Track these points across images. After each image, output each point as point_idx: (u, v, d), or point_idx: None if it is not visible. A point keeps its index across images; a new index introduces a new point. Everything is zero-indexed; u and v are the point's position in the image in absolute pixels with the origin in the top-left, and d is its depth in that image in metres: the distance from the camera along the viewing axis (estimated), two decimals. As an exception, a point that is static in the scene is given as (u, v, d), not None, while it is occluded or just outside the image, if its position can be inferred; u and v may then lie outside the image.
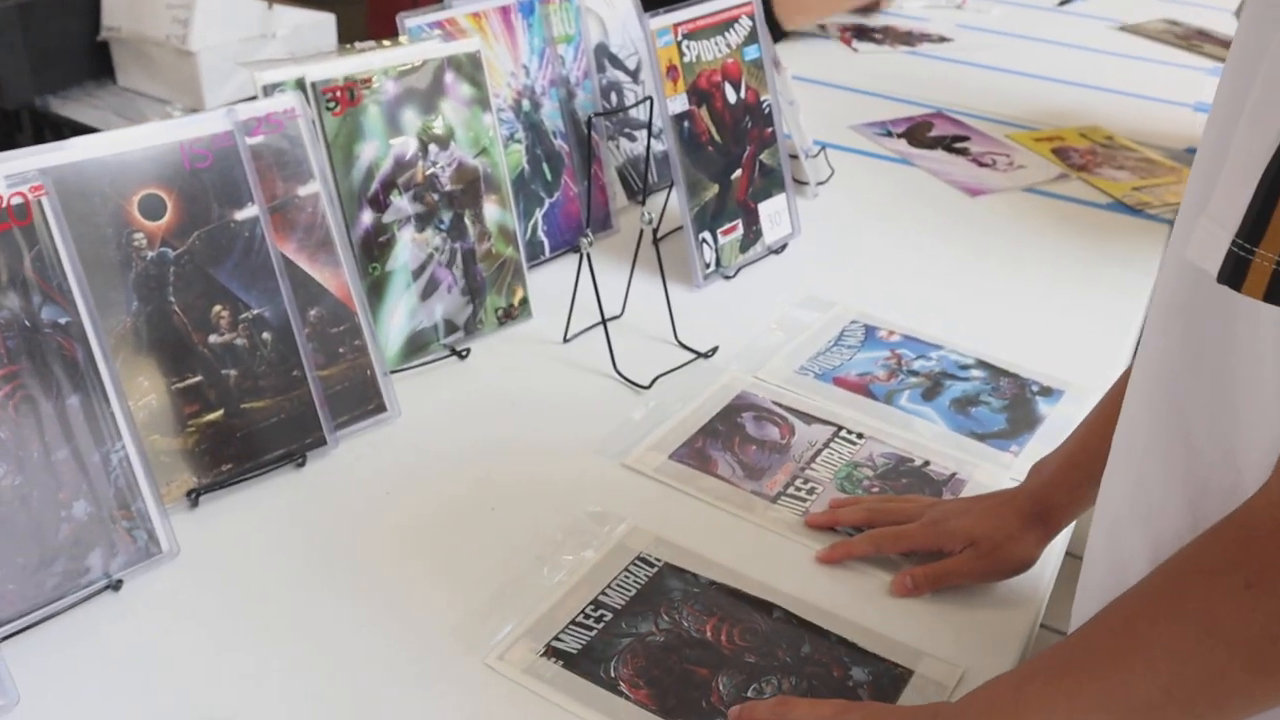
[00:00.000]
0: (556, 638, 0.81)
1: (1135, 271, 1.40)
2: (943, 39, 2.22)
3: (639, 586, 0.87)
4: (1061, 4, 2.52)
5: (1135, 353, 0.68)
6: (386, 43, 1.13)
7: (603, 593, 0.86)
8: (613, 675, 0.79)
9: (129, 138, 0.92)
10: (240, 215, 0.97)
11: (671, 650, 0.81)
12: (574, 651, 0.80)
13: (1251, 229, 0.47)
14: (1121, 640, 0.60)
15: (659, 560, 0.89)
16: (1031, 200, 1.58)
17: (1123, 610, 0.61)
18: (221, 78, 2.05)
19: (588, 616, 0.83)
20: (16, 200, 0.82)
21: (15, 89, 2.02)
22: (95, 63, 2.15)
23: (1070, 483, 0.88)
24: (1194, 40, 2.35)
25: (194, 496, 0.94)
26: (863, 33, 2.21)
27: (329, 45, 2.22)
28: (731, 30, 1.32)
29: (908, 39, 2.20)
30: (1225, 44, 2.31)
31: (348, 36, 2.07)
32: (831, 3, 2.16)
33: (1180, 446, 0.62)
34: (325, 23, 2.21)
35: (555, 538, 0.91)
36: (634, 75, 1.50)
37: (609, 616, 0.84)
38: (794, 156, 1.49)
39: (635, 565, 0.89)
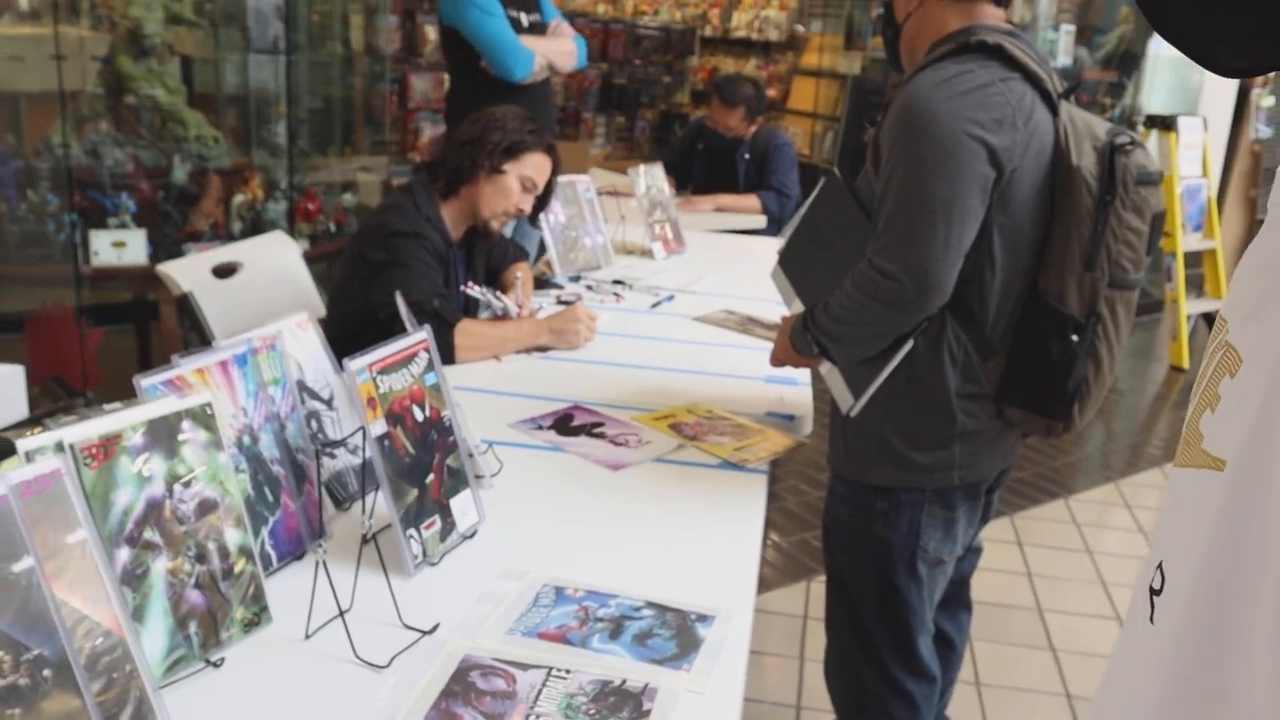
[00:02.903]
0: None
1: (748, 513, 1.66)
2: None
3: None
4: (654, 306, 2.89)
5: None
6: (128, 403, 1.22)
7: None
8: None
9: (-88, 513, 0.96)
10: (17, 567, 1.01)
11: None
12: None
13: None
14: None
15: None
16: (660, 468, 1.82)
17: None
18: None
19: None
20: None
21: None
22: None
23: None
24: (747, 325, 2.76)
25: (-12, 833, 0.94)
26: (503, 344, 2.45)
27: (19, 395, 2.20)
28: (413, 363, 1.50)
29: (539, 346, 2.46)
30: (768, 326, 2.71)
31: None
32: (498, 345, 2.37)
33: None
34: (14, 375, 2.19)
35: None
36: (328, 403, 1.64)
37: None
38: (469, 455, 1.66)
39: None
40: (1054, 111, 1.66)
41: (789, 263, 1.93)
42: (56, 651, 1.02)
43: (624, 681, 1.20)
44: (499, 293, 2.56)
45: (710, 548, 1.56)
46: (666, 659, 1.25)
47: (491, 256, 2.75)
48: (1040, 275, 1.67)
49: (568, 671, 1.21)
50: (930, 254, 1.57)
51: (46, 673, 1.01)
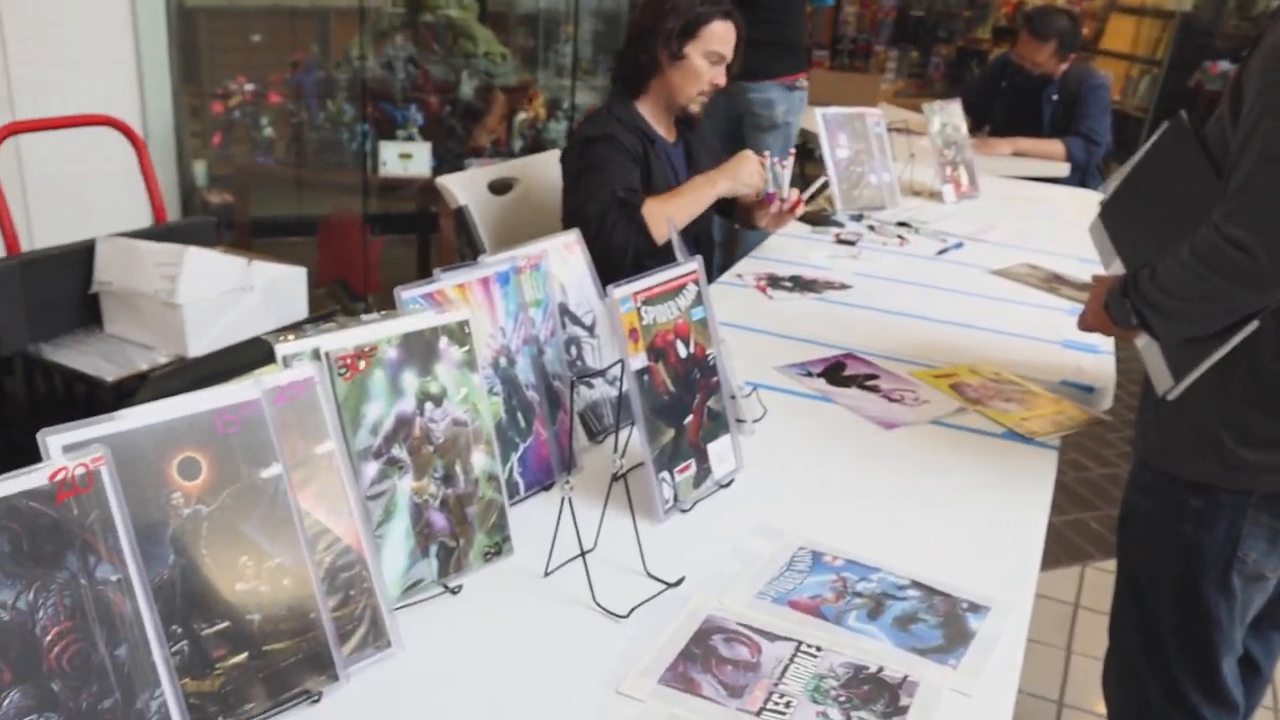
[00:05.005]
0: None
1: (1033, 493, 1.49)
2: (844, 286, 2.36)
3: None
4: (940, 253, 2.70)
5: None
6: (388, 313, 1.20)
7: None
8: None
9: (171, 407, 0.95)
10: (266, 473, 1.00)
11: None
12: None
13: None
14: None
15: None
16: (938, 431, 1.67)
17: None
18: (204, 326, 2.08)
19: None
20: (80, 471, 0.85)
21: (11, 337, 2.03)
22: (85, 312, 2.17)
23: None
24: (1052, 283, 2.52)
25: (220, 736, 0.94)
26: (775, 281, 2.34)
27: (300, 295, 2.29)
28: (681, 295, 1.41)
29: (814, 286, 2.34)
30: (1078, 286, 2.49)
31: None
32: (683, 207, 2.30)
33: None
34: (297, 275, 2.27)
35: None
36: (590, 330, 1.58)
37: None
38: (732, 397, 1.57)
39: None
40: None
41: (1112, 216, 1.70)
42: (297, 561, 1.00)
43: (881, 669, 1.08)
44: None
45: (988, 527, 1.40)
46: (931, 650, 1.12)
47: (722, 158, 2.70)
48: None
49: (819, 649, 1.10)
50: None
51: (286, 582, 0.99)
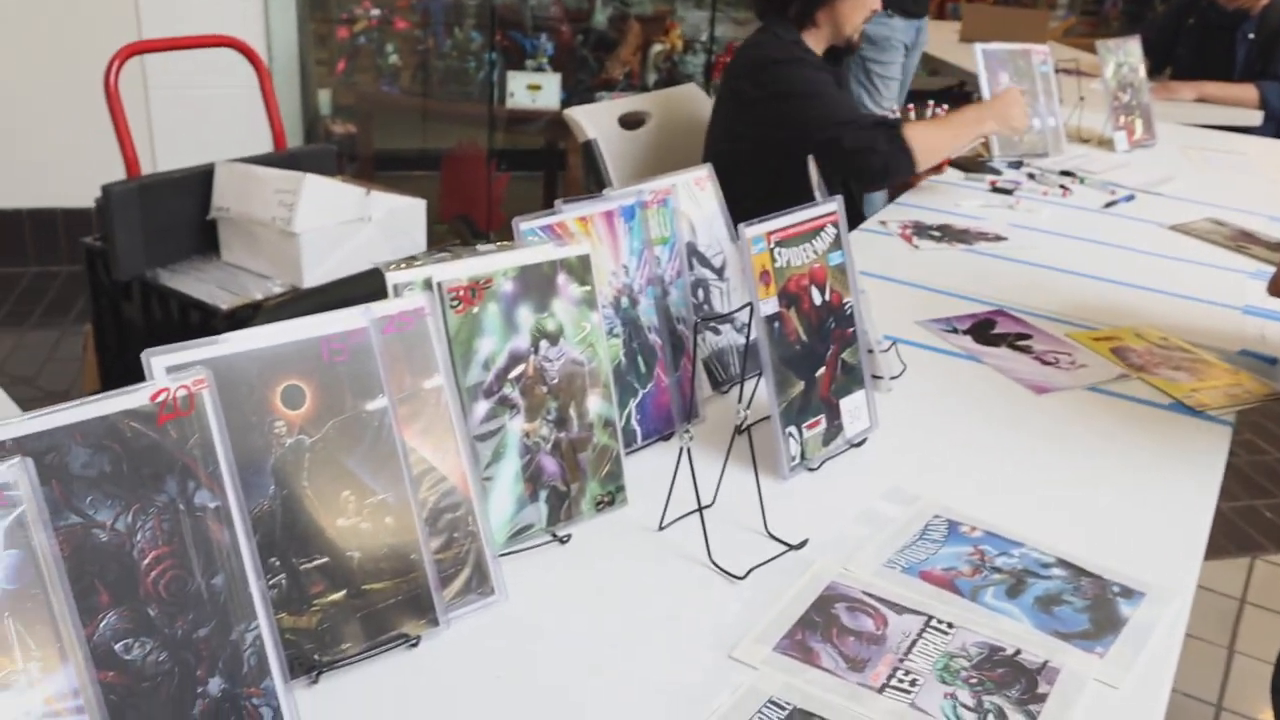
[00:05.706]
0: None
1: (1201, 472, 1.42)
2: (998, 238, 2.28)
3: None
4: (1107, 206, 2.58)
5: None
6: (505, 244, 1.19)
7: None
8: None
9: (277, 332, 0.97)
10: (371, 406, 1.00)
11: None
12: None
13: None
14: None
15: (789, 704, 0.94)
16: (1095, 399, 1.60)
17: None
18: (320, 257, 2.13)
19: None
20: (182, 393, 0.86)
21: (130, 262, 2.11)
22: (202, 238, 2.24)
23: None
24: (1240, 241, 2.39)
25: (315, 675, 0.96)
26: (922, 230, 2.27)
27: (419, 228, 2.31)
28: (818, 237, 1.37)
29: (964, 237, 2.26)
30: (1270, 246, 2.35)
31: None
32: (949, 140, 2.37)
33: None
34: (416, 207, 2.30)
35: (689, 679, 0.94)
36: (719, 272, 1.55)
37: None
38: (869, 351, 1.53)
39: (767, 708, 0.94)
40: None
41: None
42: (400, 499, 1.01)
43: (1018, 652, 1.04)
44: None
45: (1147, 507, 1.34)
46: (1075, 635, 1.08)
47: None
48: None
49: (950, 625, 1.07)
50: None
51: (388, 520, 1.00)
